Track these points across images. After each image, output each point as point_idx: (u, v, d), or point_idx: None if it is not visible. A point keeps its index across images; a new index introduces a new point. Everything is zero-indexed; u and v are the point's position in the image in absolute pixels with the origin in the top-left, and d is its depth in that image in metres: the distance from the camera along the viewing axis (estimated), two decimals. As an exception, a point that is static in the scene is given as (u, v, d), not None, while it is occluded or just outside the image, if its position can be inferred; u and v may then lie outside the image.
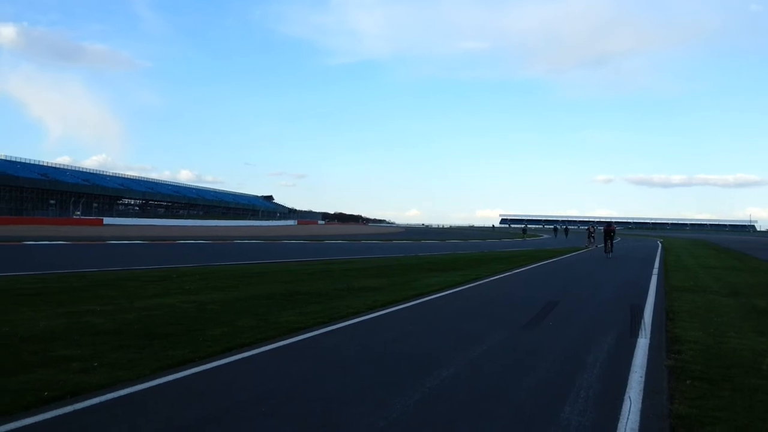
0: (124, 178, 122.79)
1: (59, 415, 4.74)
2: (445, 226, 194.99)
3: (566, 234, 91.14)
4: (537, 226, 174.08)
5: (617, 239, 49.54)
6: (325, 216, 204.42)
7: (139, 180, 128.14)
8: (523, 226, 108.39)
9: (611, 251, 32.24)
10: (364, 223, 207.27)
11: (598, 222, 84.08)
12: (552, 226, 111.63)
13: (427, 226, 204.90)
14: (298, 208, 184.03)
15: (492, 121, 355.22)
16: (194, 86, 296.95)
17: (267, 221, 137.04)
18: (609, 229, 33.28)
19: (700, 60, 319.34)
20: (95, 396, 5.23)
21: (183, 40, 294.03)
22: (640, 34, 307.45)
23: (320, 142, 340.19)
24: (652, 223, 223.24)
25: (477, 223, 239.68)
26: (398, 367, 6.73)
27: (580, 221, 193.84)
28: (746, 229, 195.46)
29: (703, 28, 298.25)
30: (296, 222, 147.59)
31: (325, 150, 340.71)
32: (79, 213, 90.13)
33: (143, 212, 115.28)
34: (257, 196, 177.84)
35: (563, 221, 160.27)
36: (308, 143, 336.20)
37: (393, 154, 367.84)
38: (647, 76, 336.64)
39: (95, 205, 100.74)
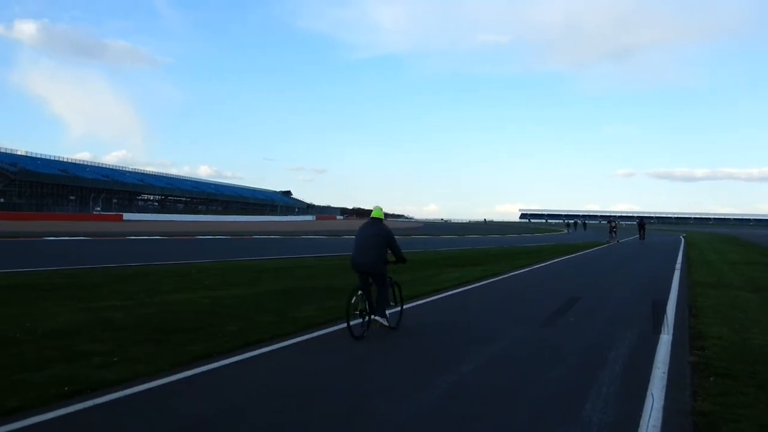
0: (143, 173, 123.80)
1: (80, 410, 4.77)
2: (466, 222, 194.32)
3: (585, 228, 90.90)
4: (557, 221, 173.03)
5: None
6: (344, 211, 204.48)
7: (158, 176, 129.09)
8: (572, 221, 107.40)
9: (644, 239, 48.61)
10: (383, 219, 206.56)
11: (619, 217, 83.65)
12: (569, 222, 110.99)
13: (445, 221, 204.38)
14: (316, 204, 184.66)
15: (512, 116, 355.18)
16: (214, 82, 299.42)
17: (285, 216, 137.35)
18: (641, 223, 51.63)
19: (724, 52, 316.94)
20: (115, 391, 5.26)
21: (203, 36, 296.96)
22: (663, 26, 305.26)
23: (339, 137, 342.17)
24: (675, 217, 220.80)
25: (497, 218, 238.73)
26: (419, 363, 6.70)
27: (601, 216, 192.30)
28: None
29: (726, 20, 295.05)
30: (315, 217, 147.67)
31: (344, 145, 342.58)
32: (99, 209, 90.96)
33: (162, 208, 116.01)
34: (276, 192, 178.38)
35: (582, 216, 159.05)
36: (327, 138, 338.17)
37: (412, 148, 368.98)
38: (670, 69, 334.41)
39: (115, 200, 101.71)
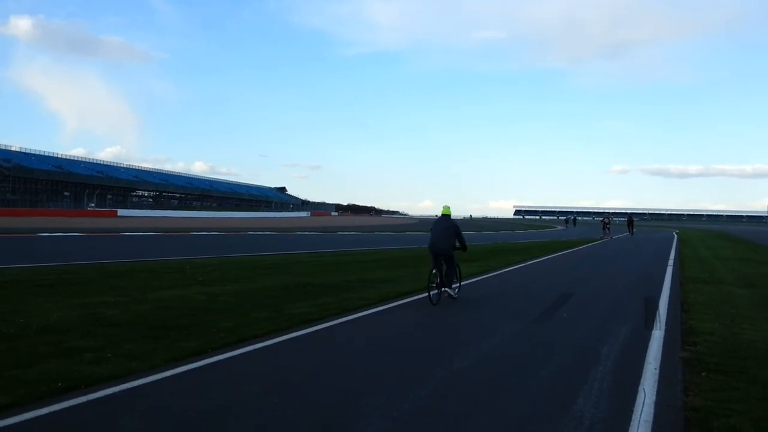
0: (137, 169, 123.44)
1: (73, 406, 4.76)
2: (461, 218, 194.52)
3: (574, 224, 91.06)
4: (551, 218, 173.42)
5: (635, 230, 53.48)
6: (338, 207, 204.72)
7: (152, 172, 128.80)
8: (568, 218, 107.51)
9: (633, 234, 51.14)
10: (377, 215, 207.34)
11: (613, 213, 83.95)
12: (564, 218, 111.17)
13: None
14: (311, 200, 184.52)
15: (508, 112, 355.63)
16: (209, 78, 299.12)
17: (280, 213, 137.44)
18: (630, 220, 53.99)
19: (719, 49, 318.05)
20: (108, 387, 5.25)
21: (198, 32, 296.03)
22: (659, 23, 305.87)
23: (335, 134, 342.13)
24: (668, 214, 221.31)
25: (491, 215, 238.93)
26: (412, 359, 6.72)
27: (594, 212, 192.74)
28: (763, 221, 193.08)
29: (721, 16, 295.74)
30: (309, 213, 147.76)
31: (339, 141, 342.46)
32: (93, 205, 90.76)
33: (157, 204, 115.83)
34: (270, 188, 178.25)
35: (576, 212, 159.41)
36: (323, 135, 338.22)
37: (407, 144, 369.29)
38: (665, 65, 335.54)
39: (109, 196, 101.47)
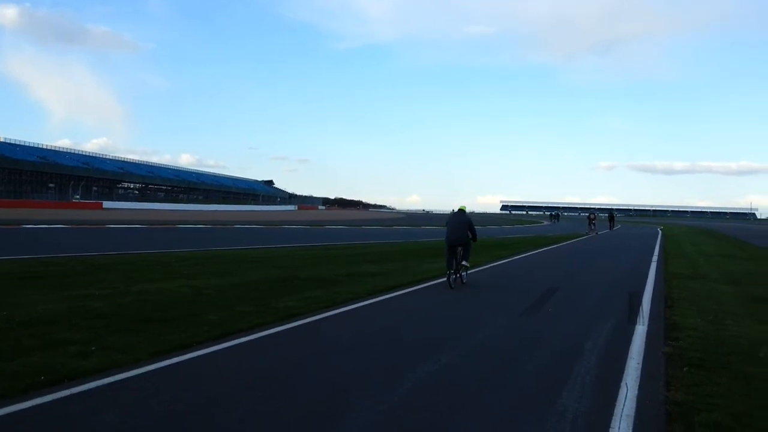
0: (123, 161, 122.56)
1: (56, 399, 4.74)
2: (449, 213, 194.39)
3: (557, 219, 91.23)
4: (538, 213, 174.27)
5: (617, 226, 53.59)
6: (326, 201, 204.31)
7: (139, 164, 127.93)
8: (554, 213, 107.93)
9: (613, 229, 53.69)
10: (365, 209, 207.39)
11: (599, 209, 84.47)
12: (549, 213, 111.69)
13: (427, 212, 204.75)
14: (298, 193, 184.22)
15: (497, 107, 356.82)
16: (198, 69, 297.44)
17: (267, 206, 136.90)
18: (611, 215, 58.47)
19: (708, 46, 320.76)
20: (93, 380, 5.23)
21: (187, 23, 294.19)
22: (650, 19, 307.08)
23: (324, 127, 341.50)
24: (653, 210, 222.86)
25: (478, 210, 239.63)
26: (399, 352, 6.74)
27: (580, 208, 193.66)
28: (747, 217, 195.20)
29: (711, 13, 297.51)
30: (296, 207, 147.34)
31: (328, 135, 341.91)
32: (78, 196, 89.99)
33: (143, 196, 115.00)
34: (258, 181, 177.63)
35: (563, 208, 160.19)
36: (312, 128, 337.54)
37: (395, 139, 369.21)
38: (655, 61, 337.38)
39: (95, 188, 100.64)
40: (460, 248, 12.81)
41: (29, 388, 4.94)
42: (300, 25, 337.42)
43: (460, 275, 12.91)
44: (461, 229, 12.97)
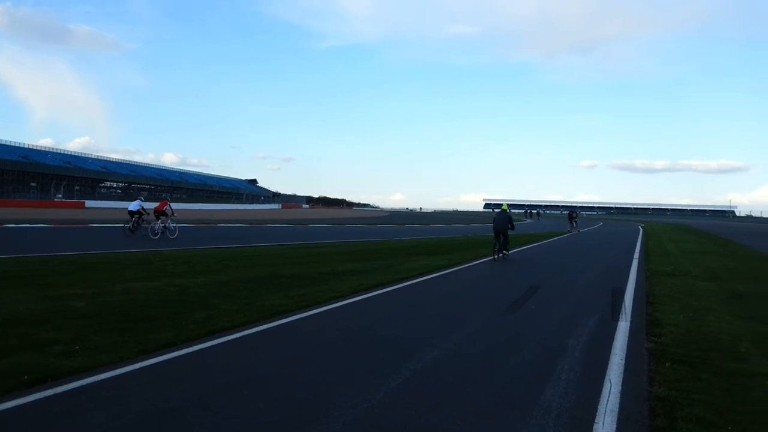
0: (106, 160, 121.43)
1: (40, 399, 4.71)
2: (432, 211, 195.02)
3: (531, 217, 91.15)
4: (519, 211, 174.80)
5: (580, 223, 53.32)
6: (310, 200, 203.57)
7: (121, 163, 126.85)
8: (535, 211, 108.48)
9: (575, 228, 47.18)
10: (349, 207, 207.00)
11: (580, 207, 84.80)
12: (534, 211, 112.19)
13: (411, 210, 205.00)
14: (282, 192, 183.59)
15: (479, 106, 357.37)
16: (180, 68, 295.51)
17: (251, 205, 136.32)
18: (570, 214, 50.09)
19: (688, 45, 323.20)
20: (77, 380, 5.21)
21: (170, 22, 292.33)
22: (630, 18, 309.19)
23: (307, 126, 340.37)
24: (634, 208, 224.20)
25: (461, 208, 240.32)
26: (382, 350, 6.75)
27: (562, 206, 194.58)
28: (726, 215, 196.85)
29: (691, 13, 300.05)
30: (280, 206, 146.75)
31: (312, 134, 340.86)
32: (60, 196, 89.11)
33: (126, 195, 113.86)
34: (241, 180, 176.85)
35: (544, 206, 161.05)
36: (295, 127, 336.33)
37: (379, 137, 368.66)
38: (635, 60, 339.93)
39: (77, 187, 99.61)
40: (501, 235, 19.09)
41: (13, 388, 4.90)
42: (283, 24, 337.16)
43: (504, 254, 19.18)
44: (503, 222, 19.47)
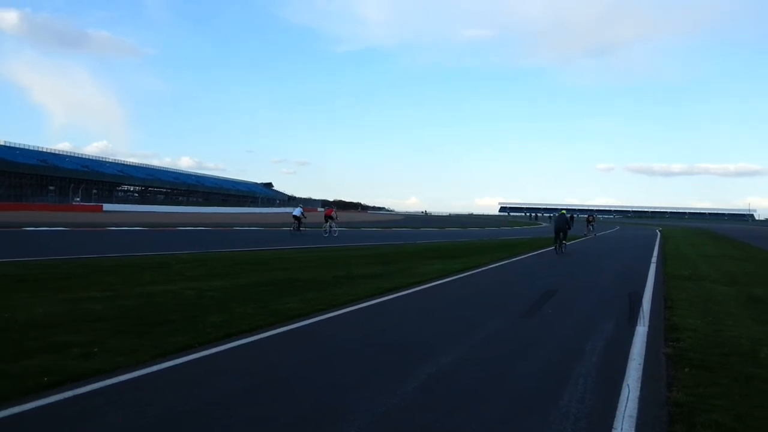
0: (123, 164, 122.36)
1: (59, 401, 4.75)
2: (446, 214, 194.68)
3: (537, 219, 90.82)
4: (519, 214, 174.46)
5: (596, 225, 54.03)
6: (325, 203, 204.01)
7: (138, 167, 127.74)
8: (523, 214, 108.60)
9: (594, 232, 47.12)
10: (364, 211, 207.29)
11: (597, 211, 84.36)
12: (548, 215, 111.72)
13: (426, 213, 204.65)
14: (297, 196, 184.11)
15: (495, 110, 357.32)
16: (197, 73, 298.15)
17: (266, 208, 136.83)
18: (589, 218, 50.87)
19: (705, 47, 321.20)
20: (95, 382, 5.24)
21: (187, 27, 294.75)
22: (646, 21, 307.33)
23: (323, 130, 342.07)
24: (651, 211, 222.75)
25: (476, 212, 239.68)
26: (398, 355, 6.74)
27: (579, 210, 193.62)
28: (745, 219, 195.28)
29: (708, 15, 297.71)
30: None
31: (327, 137, 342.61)
32: (78, 199, 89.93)
33: (143, 199, 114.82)
34: (257, 183, 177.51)
35: (553, 209, 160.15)
36: (311, 131, 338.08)
37: (394, 141, 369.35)
38: (652, 63, 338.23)
39: (95, 191, 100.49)
40: (562, 233, 24.40)
41: (32, 390, 4.95)
42: (299, 28, 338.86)
43: (563, 248, 24.43)
44: (563, 222, 24.97)
